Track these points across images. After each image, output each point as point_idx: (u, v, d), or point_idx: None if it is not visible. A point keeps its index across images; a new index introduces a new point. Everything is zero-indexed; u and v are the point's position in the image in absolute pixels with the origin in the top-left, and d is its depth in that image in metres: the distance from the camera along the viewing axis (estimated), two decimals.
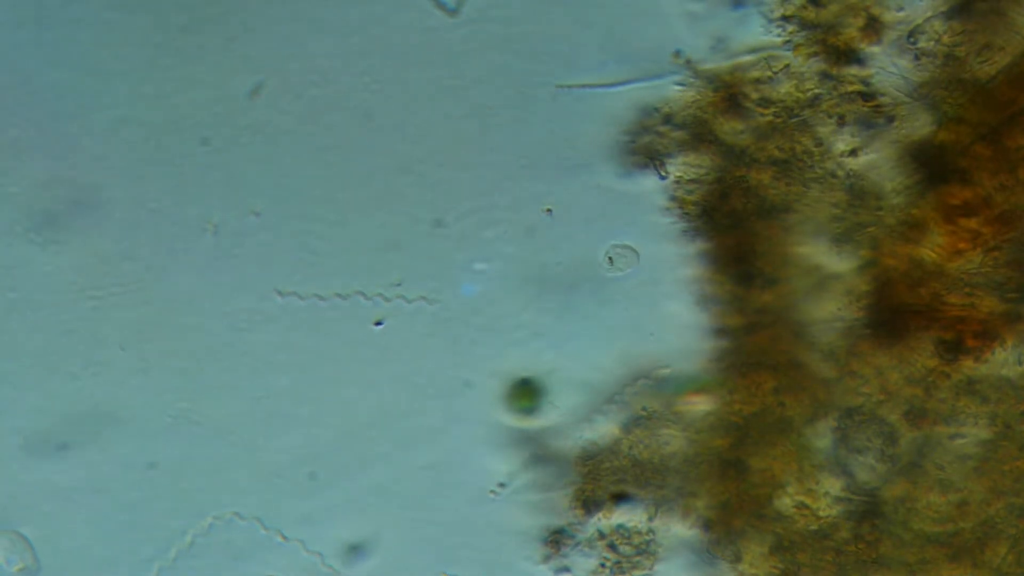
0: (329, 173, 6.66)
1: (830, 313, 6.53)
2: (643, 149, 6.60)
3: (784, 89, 6.55)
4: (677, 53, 6.59)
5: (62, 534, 6.67)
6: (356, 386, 6.67)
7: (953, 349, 6.47)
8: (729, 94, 6.57)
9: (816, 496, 6.54)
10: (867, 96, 6.52)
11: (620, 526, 6.59)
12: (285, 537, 6.64)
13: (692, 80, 6.59)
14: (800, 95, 6.54)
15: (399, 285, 6.61)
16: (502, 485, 6.62)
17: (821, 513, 6.54)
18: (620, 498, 6.59)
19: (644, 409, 6.60)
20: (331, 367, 6.66)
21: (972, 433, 6.51)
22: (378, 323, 6.45)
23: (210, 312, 6.66)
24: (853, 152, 6.53)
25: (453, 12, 6.63)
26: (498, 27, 6.65)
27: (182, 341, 6.66)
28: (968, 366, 6.48)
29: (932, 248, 6.46)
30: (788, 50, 6.55)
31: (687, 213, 6.57)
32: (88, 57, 6.63)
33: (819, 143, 6.54)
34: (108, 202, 6.64)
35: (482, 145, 6.66)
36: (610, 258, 6.36)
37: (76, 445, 6.66)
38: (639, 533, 6.60)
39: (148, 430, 6.66)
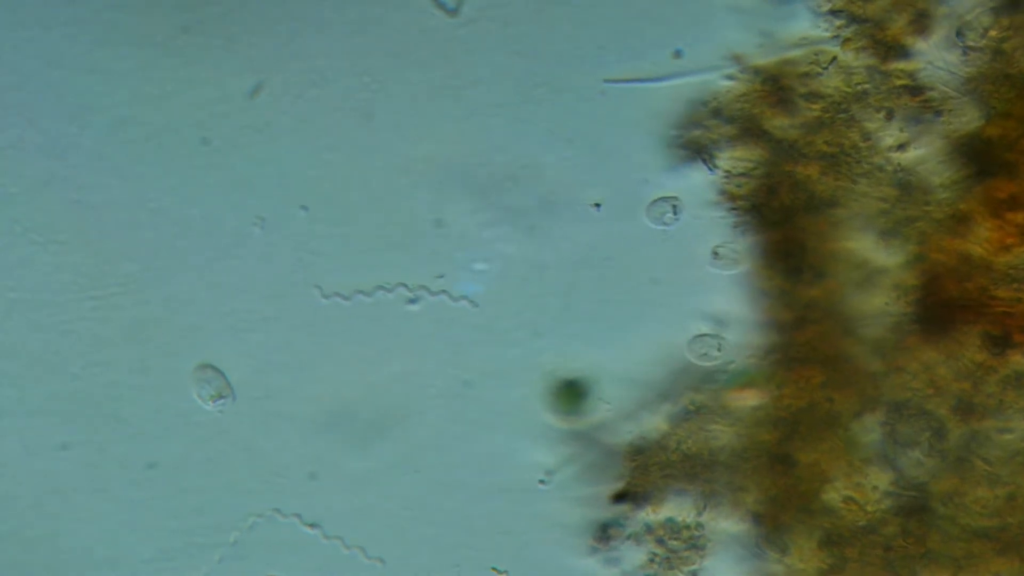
0: (329, 173, 6.66)
1: (878, 308, 6.53)
2: (691, 143, 6.60)
3: (832, 84, 6.55)
4: (725, 49, 6.57)
5: (62, 534, 6.68)
6: (356, 386, 6.67)
7: (1000, 344, 6.47)
8: (777, 88, 6.57)
9: (864, 491, 6.53)
10: (915, 91, 6.52)
11: (669, 520, 6.59)
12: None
13: (741, 74, 6.59)
14: (848, 90, 6.54)
15: (404, 286, 6.61)
16: (549, 473, 6.61)
17: (869, 508, 6.54)
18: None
19: (693, 404, 6.60)
20: (331, 367, 6.66)
21: (1020, 427, 6.51)
22: (411, 300, 6.47)
23: (210, 312, 6.66)
24: (901, 147, 6.52)
25: (453, 12, 6.63)
26: (498, 27, 6.64)
27: (182, 341, 6.66)
28: (1015, 360, 6.48)
29: (979, 243, 6.46)
30: (836, 45, 6.55)
31: (736, 208, 6.57)
32: (88, 57, 6.63)
33: (867, 138, 6.53)
34: (108, 202, 6.65)
35: (482, 145, 6.65)
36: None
37: (76, 445, 6.66)
38: (688, 527, 6.59)
39: (148, 430, 6.66)
